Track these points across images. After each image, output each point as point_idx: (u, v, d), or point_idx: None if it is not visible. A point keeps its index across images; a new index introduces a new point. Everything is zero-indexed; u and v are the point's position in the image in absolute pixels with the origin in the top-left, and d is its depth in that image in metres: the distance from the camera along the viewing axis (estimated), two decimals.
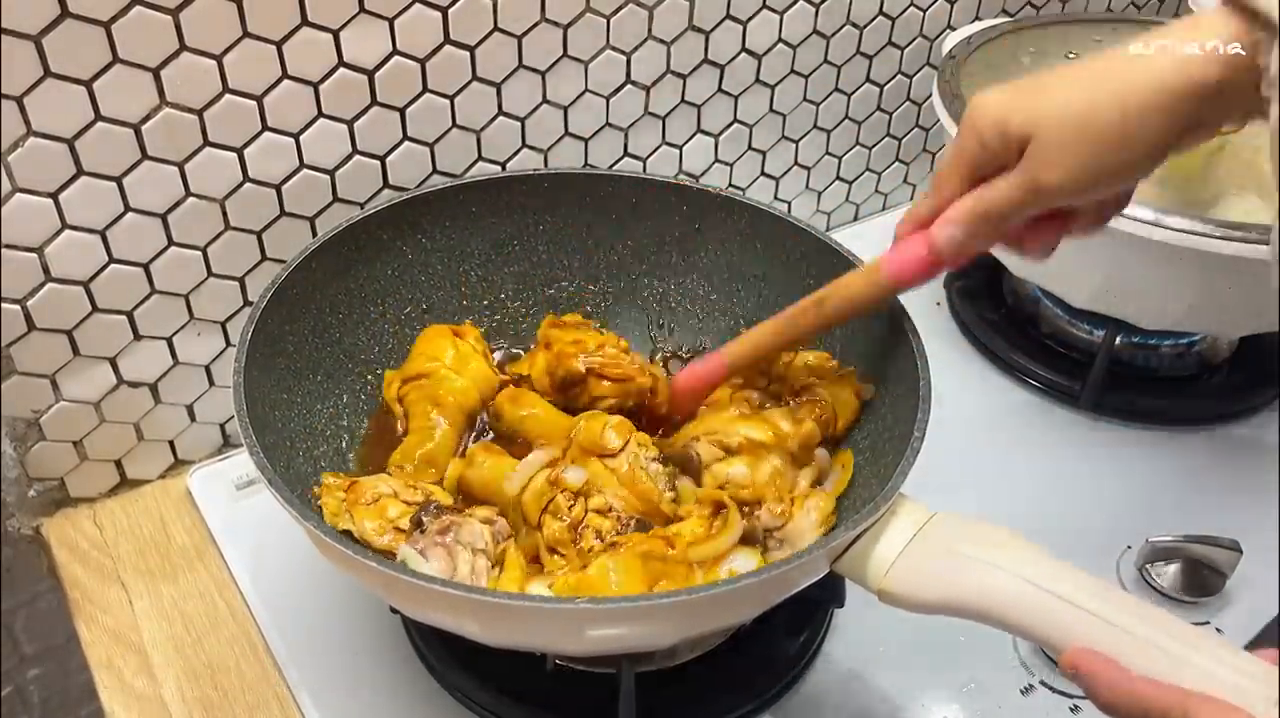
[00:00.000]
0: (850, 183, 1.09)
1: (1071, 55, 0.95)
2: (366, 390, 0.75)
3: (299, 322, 0.70)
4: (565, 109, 0.85)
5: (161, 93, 0.67)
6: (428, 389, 0.73)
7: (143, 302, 0.74)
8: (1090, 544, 0.77)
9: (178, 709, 0.68)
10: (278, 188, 0.75)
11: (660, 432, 0.73)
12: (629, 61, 0.86)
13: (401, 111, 0.77)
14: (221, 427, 0.84)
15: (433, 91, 0.78)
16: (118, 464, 0.80)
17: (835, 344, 0.75)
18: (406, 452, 0.71)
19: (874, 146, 1.08)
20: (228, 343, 0.80)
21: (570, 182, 0.79)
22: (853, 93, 1.02)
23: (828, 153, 1.05)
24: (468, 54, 0.78)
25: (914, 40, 1.02)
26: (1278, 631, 0.73)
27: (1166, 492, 0.84)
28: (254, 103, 0.71)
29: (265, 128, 0.72)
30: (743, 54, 0.91)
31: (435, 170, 0.82)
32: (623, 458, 0.66)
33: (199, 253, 0.75)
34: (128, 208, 0.70)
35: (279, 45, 0.70)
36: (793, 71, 0.96)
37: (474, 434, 0.74)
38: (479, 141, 0.82)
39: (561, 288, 0.82)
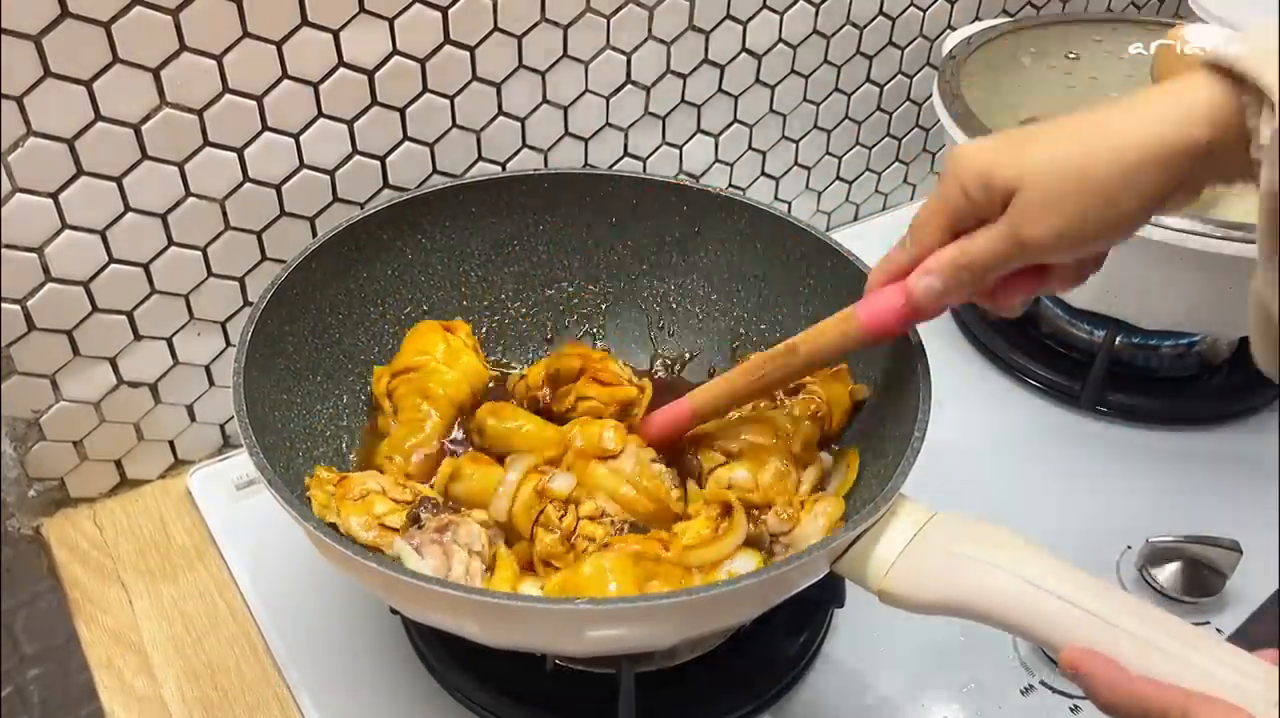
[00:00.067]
0: (850, 183, 1.09)
1: (1071, 55, 0.95)
2: (366, 391, 0.75)
3: (299, 322, 0.70)
4: (565, 109, 0.85)
5: (161, 93, 0.67)
6: (417, 382, 0.72)
7: (143, 302, 0.74)
8: (1090, 544, 0.77)
9: (178, 709, 0.68)
10: (278, 188, 0.75)
11: None
12: (629, 61, 0.86)
13: (401, 111, 0.77)
14: (221, 427, 0.84)
15: (433, 91, 0.78)
16: (118, 464, 0.80)
17: None
18: (395, 443, 0.70)
19: (874, 147, 1.08)
20: (228, 343, 0.80)
21: (570, 182, 0.79)
22: (853, 93, 1.02)
23: (828, 153, 1.05)
24: (468, 54, 0.78)
25: (914, 40, 1.02)
26: (1278, 631, 0.73)
27: (1166, 492, 0.84)
28: (254, 103, 0.71)
29: (265, 128, 0.72)
30: (743, 54, 0.91)
31: (435, 170, 0.82)
32: (626, 458, 0.66)
33: (199, 253, 0.75)
34: (128, 208, 0.70)
35: (279, 45, 0.70)
36: (793, 71, 0.96)
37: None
38: (479, 141, 0.82)
39: (561, 288, 0.82)
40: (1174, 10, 1.19)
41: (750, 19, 0.90)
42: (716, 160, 0.97)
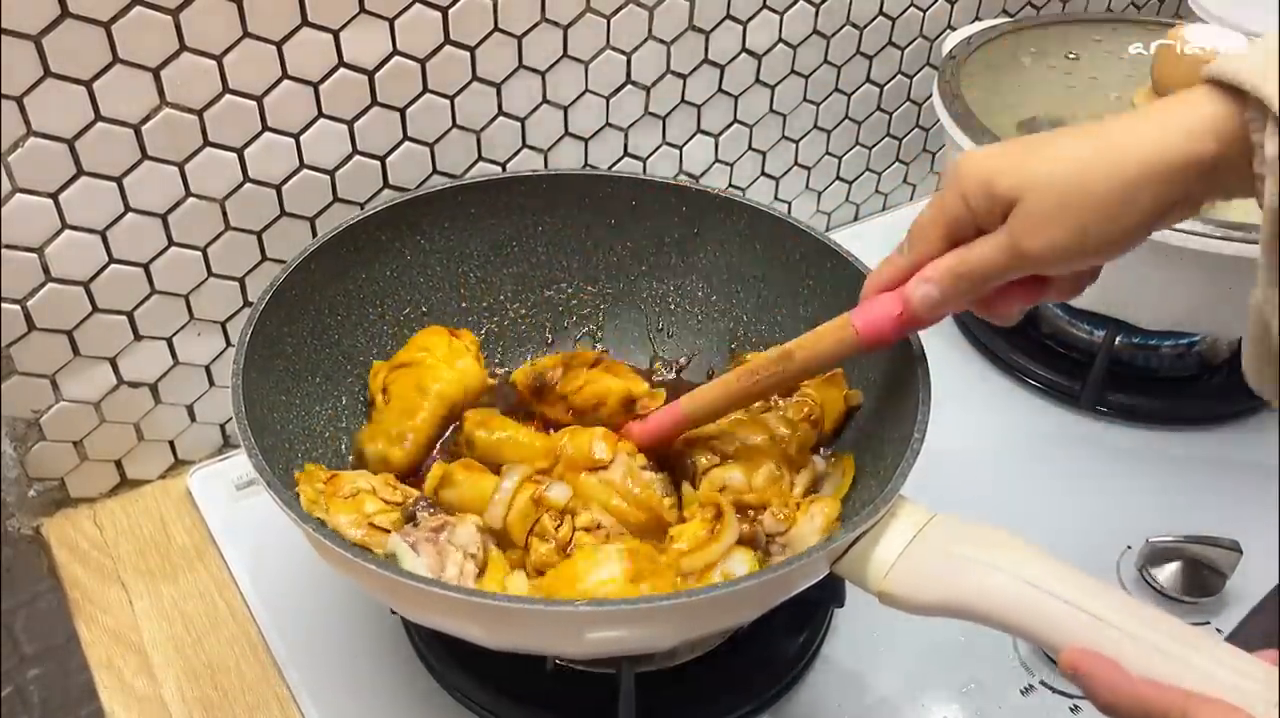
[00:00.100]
0: (850, 183, 1.09)
1: (1071, 55, 0.95)
2: (365, 393, 0.75)
3: (298, 323, 0.70)
4: (565, 109, 0.85)
5: (161, 93, 0.67)
6: (413, 375, 0.72)
7: (143, 302, 0.74)
8: (1090, 544, 0.77)
9: (178, 709, 0.68)
10: (278, 188, 0.75)
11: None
12: (629, 61, 0.86)
13: (401, 111, 0.77)
14: (221, 427, 0.84)
15: (433, 91, 0.78)
16: (118, 464, 0.80)
17: None
18: (383, 425, 0.70)
19: (874, 147, 1.08)
20: (228, 343, 0.80)
21: (569, 182, 0.79)
22: (853, 93, 1.02)
23: (828, 153, 1.05)
24: (468, 54, 0.78)
25: (914, 40, 1.02)
26: (1278, 631, 0.73)
27: (1166, 492, 0.84)
28: (254, 103, 0.71)
29: (265, 128, 0.72)
30: (743, 54, 0.91)
31: (435, 170, 0.82)
32: (615, 468, 0.65)
33: (199, 253, 0.75)
34: (128, 208, 0.70)
35: (279, 45, 0.70)
36: (793, 72, 0.96)
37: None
38: (479, 142, 0.82)
39: (560, 289, 0.82)
40: (1174, 10, 1.19)
41: (750, 19, 0.90)
42: (716, 160, 0.97)
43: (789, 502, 0.65)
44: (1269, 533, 0.77)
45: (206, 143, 0.71)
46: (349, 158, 0.77)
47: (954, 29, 1.01)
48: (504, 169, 0.85)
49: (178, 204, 0.72)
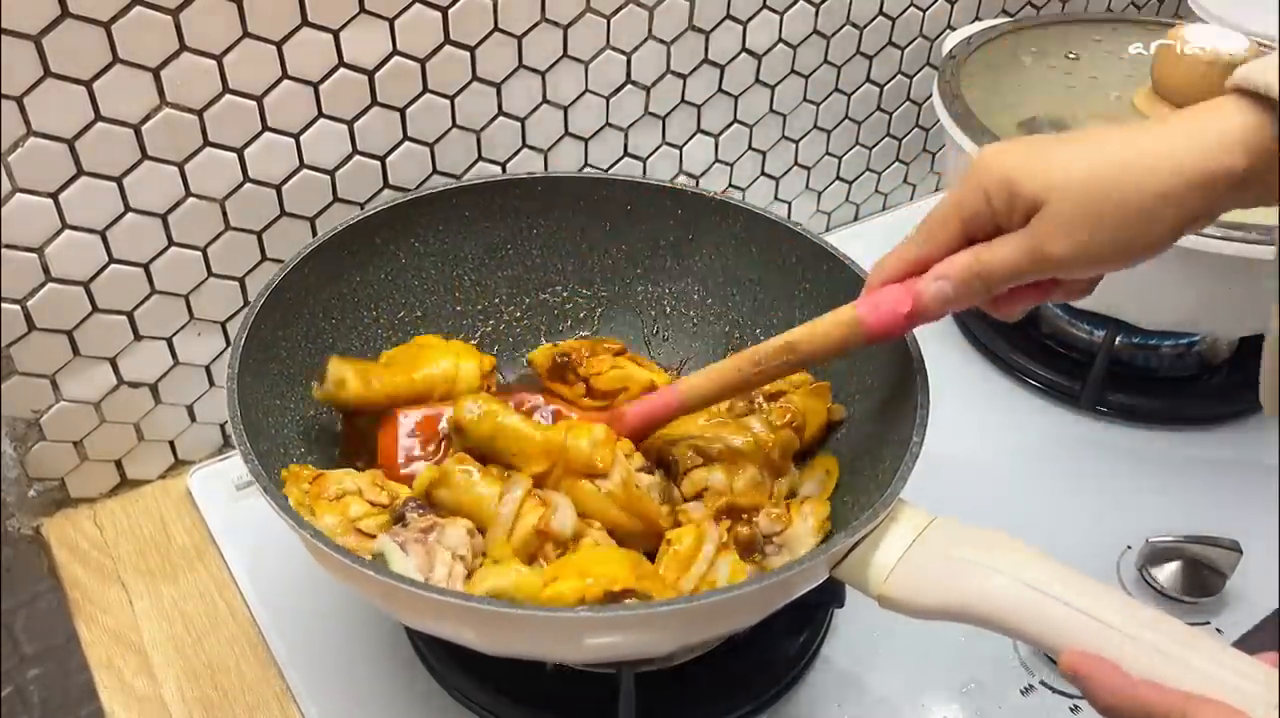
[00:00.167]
0: (850, 183, 1.09)
1: (1071, 55, 0.95)
2: None
3: (292, 327, 0.69)
4: (565, 109, 0.85)
5: (161, 93, 0.67)
6: (409, 354, 0.72)
7: (143, 302, 0.74)
8: (1090, 544, 0.77)
9: (178, 709, 0.68)
10: (278, 188, 0.75)
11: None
12: (629, 61, 0.86)
13: (401, 112, 0.77)
14: (221, 427, 0.84)
15: (433, 92, 0.78)
16: (118, 464, 0.80)
17: None
18: (360, 364, 0.69)
19: (874, 147, 1.08)
20: (228, 343, 0.80)
21: (564, 185, 0.79)
22: (853, 93, 1.02)
23: (828, 153, 1.05)
24: (468, 54, 0.78)
25: (914, 40, 1.02)
26: (1278, 631, 0.73)
27: (1166, 492, 0.84)
28: (254, 103, 0.71)
29: (265, 128, 0.72)
30: (743, 54, 0.91)
31: (435, 171, 0.82)
32: (614, 476, 0.63)
33: (199, 253, 0.75)
34: (128, 208, 0.70)
35: (279, 45, 0.70)
36: (793, 71, 0.96)
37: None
38: (479, 142, 0.82)
39: (555, 292, 0.82)
40: (1174, 10, 1.19)
41: (750, 19, 0.90)
42: (716, 160, 0.97)
43: (781, 502, 0.65)
44: (1269, 533, 0.77)
45: (206, 143, 0.71)
46: (349, 158, 0.77)
47: (954, 29, 1.01)
48: (504, 169, 0.85)
49: (178, 204, 0.72)
